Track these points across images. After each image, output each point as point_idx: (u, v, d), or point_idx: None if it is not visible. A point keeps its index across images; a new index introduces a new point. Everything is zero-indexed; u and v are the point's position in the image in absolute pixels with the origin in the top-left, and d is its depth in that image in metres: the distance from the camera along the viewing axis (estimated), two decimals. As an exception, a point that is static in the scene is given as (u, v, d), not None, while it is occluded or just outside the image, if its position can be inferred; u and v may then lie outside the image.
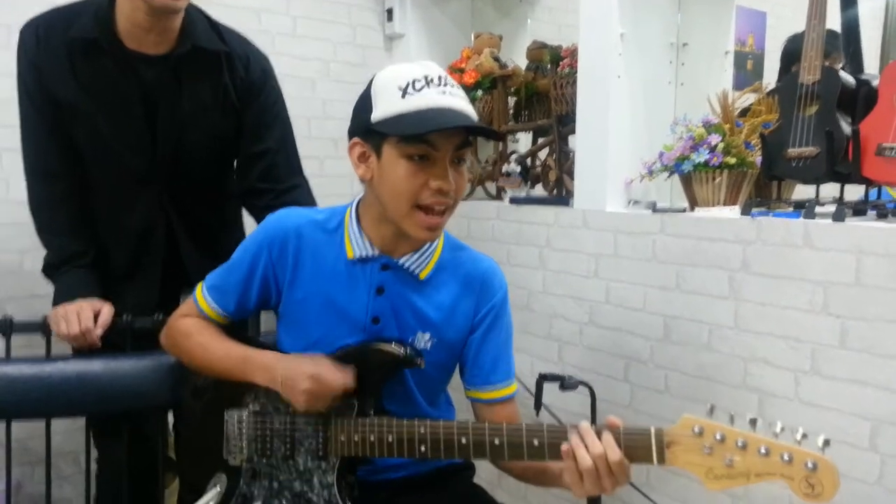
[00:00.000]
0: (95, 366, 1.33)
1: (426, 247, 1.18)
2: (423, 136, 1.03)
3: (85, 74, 1.38)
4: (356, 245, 1.16)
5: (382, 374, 1.15)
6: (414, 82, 1.05)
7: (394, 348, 1.14)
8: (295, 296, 1.19)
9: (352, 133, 1.12)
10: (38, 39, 1.38)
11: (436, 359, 1.20)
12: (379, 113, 1.06)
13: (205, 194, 1.56)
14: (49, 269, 1.47)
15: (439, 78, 1.07)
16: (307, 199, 1.57)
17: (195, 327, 1.22)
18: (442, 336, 1.19)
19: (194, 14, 1.43)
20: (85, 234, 1.47)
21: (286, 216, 1.21)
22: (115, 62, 1.38)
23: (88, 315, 1.36)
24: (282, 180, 1.55)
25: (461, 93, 1.09)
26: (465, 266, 1.21)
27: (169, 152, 1.45)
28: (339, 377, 1.09)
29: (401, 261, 1.16)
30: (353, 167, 1.12)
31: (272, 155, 1.53)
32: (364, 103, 1.09)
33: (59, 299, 1.42)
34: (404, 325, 1.18)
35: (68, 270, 1.44)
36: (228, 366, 1.16)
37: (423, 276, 1.18)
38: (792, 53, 2.52)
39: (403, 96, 1.04)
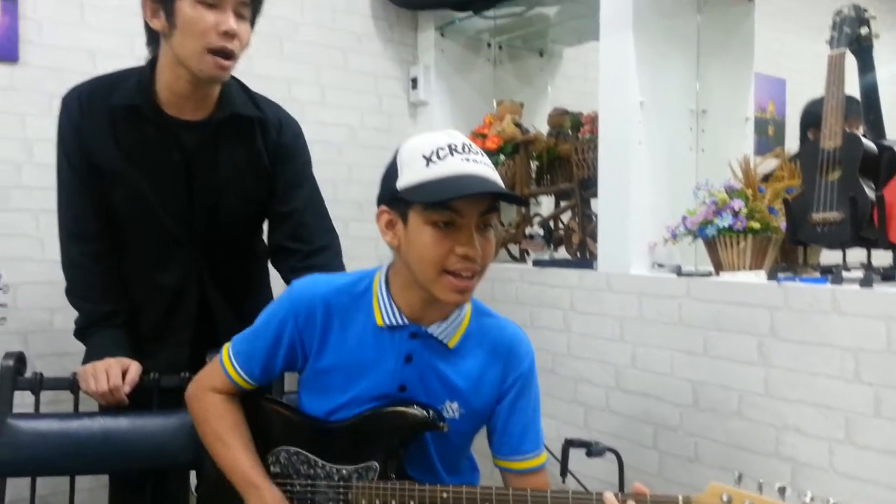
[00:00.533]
0: (121, 423, 1.34)
1: (455, 315, 1.18)
2: (446, 203, 1.04)
3: (127, 140, 1.43)
4: (385, 312, 1.16)
5: (403, 436, 1.14)
6: (438, 151, 1.07)
7: (415, 410, 1.14)
8: (322, 363, 1.19)
9: (379, 201, 1.14)
10: (80, 106, 1.43)
11: (462, 427, 1.19)
12: (404, 181, 1.08)
13: (236, 254, 1.58)
14: (80, 333, 1.49)
15: (463, 146, 1.09)
16: (334, 261, 1.59)
17: (214, 412, 1.22)
18: (470, 405, 1.18)
19: (231, 82, 1.48)
20: (115, 295, 1.49)
21: (313, 284, 1.21)
22: (156, 128, 1.43)
23: (117, 373, 1.37)
24: (309, 240, 1.57)
25: (485, 160, 1.11)
26: (492, 334, 1.21)
27: (205, 215, 1.49)
28: None
29: (430, 329, 1.16)
30: (381, 234, 1.14)
31: (300, 215, 1.56)
32: (390, 172, 1.11)
33: (89, 358, 1.43)
34: (432, 393, 1.17)
35: (99, 330, 1.47)
36: (230, 474, 1.18)
37: (451, 344, 1.17)
38: (811, 117, 2.56)
39: (427, 164, 1.06)
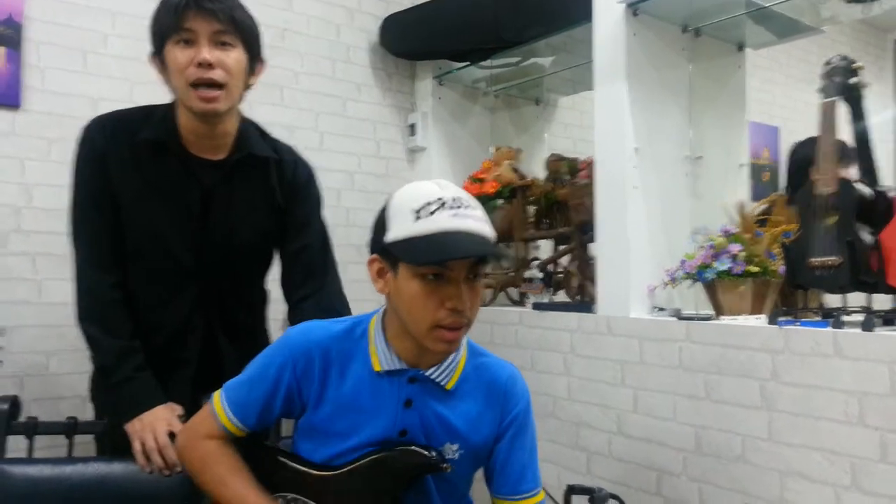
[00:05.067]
0: (116, 468, 1.31)
1: (451, 357, 1.18)
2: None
3: (150, 174, 1.45)
4: (383, 358, 1.16)
5: (406, 479, 1.13)
6: (427, 205, 1.06)
7: (418, 451, 1.13)
8: (322, 411, 1.18)
9: (371, 249, 1.15)
10: (105, 135, 1.44)
11: (462, 469, 1.18)
12: (393, 234, 1.07)
13: (243, 289, 1.60)
14: (103, 373, 1.45)
15: (453, 199, 1.07)
16: (336, 297, 1.61)
17: (212, 458, 1.19)
18: (469, 446, 1.18)
19: (248, 126, 1.53)
20: (130, 328, 1.46)
21: (309, 331, 1.20)
22: (179, 163, 1.46)
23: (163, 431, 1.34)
24: (318, 276, 1.60)
25: (476, 212, 1.09)
26: (488, 374, 1.21)
27: (218, 247, 1.51)
28: None
29: (428, 372, 1.16)
30: (372, 281, 1.14)
31: (309, 252, 1.59)
32: (380, 223, 1.11)
33: (129, 409, 1.38)
34: (432, 436, 1.17)
35: (132, 377, 1.41)
36: None
37: (449, 386, 1.17)
38: (801, 159, 2.58)
39: (416, 219, 1.05)
